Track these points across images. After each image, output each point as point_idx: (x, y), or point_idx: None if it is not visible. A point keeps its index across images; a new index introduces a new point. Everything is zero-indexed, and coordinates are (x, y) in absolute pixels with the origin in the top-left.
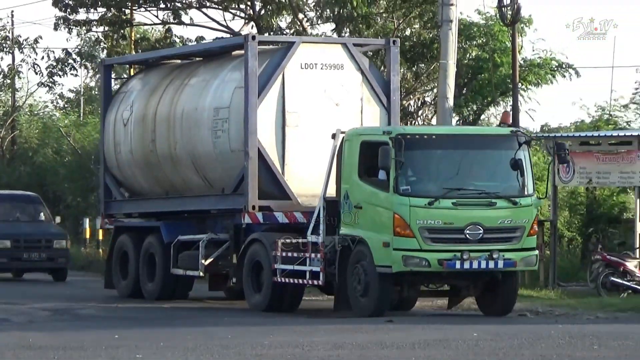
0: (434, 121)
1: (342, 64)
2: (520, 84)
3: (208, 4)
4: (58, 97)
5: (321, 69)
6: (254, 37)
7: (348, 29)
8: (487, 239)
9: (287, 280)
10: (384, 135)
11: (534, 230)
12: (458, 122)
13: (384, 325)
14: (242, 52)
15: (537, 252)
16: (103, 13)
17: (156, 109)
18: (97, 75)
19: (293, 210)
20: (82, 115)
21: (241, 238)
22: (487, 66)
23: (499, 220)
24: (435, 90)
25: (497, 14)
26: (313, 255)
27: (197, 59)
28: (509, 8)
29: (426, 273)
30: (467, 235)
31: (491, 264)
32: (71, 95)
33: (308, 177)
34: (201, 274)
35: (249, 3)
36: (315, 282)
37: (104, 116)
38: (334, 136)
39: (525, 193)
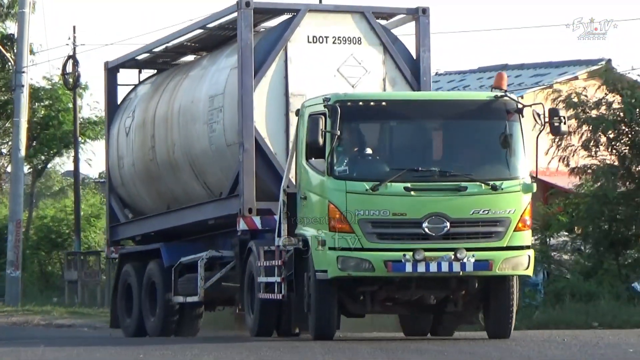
0: (9, 169)
1: (359, 37)
2: (80, 138)
3: None
4: None
5: (333, 43)
6: (247, 4)
7: None
8: (455, 234)
9: (267, 296)
10: (322, 104)
11: (525, 223)
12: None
13: None
14: None
15: (530, 251)
16: None
17: (155, 111)
18: None
19: None
20: None
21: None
22: (53, 123)
23: (472, 210)
24: (10, 143)
25: (61, 80)
26: (275, 262)
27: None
28: (70, 75)
29: (375, 280)
30: (427, 230)
31: (456, 267)
32: None
33: None
34: (200, 299)
35: None
36: (279, 297)
37: (109, 128)
38: (297, 112)
39: (511, 175)
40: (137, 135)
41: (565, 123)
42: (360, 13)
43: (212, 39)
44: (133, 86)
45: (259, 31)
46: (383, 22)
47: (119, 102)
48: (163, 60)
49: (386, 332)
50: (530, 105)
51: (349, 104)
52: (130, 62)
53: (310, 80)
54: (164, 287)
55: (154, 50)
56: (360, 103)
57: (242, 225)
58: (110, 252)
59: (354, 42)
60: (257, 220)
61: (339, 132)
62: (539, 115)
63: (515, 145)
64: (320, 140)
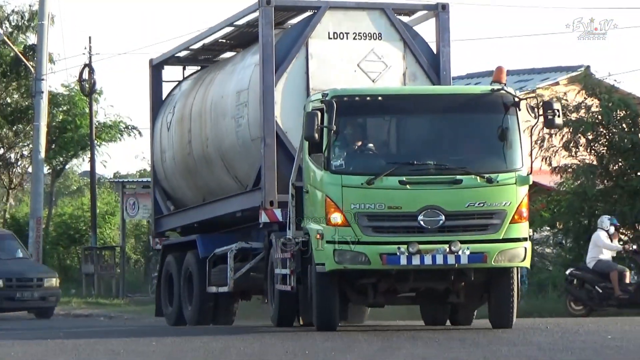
0: (30, 170)
1: (379, 33)
2: (96, 141)
3: None
4: None
5: (354, 39)
6: (268, 2)
7: None
8: (451, 227)
9: (282, 287)
10: (320, 99)
11: (522, 215)
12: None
13: None
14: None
15: (526, 243)
16: None
17: (192, 106)
18: None
19: None
20: None
21: None
22: (70, 127)
23: (467, 202)
24: (31, 146)
25: (78, 87)
26: (287, 255)
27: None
28: (86, 82)
29: (372, 272)
30: (422, 223)
31: (450, 259)
32: None
33: None
34: (230, 289)
35: None
36: (289, 288)
37: (153, 124)
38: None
39: (507, 168)
40: (177, 130)
41: (559, 116)
42: (380, 9)
43: (245, 37)
44: (177, 82)
45: (286, 28)
46: (405, 18)
47: (164, 98)
48: (204, 57)
49: (408, 322)
50: (526, 99)
51: (345, 99)
52: (172, 59)
53: (331, 75)
54: (199, 278)
55: (191, 47)
56: (357, 98)
57: (263, 218)
58: (155, 243)
59: (374, 37)
60: (278, 213)
61: (334, 127)
62: (532, 108)
63: (511, 139)
64: (316, 135)
